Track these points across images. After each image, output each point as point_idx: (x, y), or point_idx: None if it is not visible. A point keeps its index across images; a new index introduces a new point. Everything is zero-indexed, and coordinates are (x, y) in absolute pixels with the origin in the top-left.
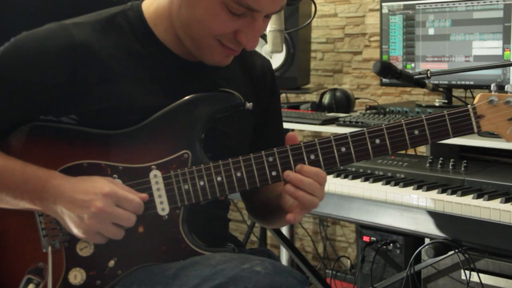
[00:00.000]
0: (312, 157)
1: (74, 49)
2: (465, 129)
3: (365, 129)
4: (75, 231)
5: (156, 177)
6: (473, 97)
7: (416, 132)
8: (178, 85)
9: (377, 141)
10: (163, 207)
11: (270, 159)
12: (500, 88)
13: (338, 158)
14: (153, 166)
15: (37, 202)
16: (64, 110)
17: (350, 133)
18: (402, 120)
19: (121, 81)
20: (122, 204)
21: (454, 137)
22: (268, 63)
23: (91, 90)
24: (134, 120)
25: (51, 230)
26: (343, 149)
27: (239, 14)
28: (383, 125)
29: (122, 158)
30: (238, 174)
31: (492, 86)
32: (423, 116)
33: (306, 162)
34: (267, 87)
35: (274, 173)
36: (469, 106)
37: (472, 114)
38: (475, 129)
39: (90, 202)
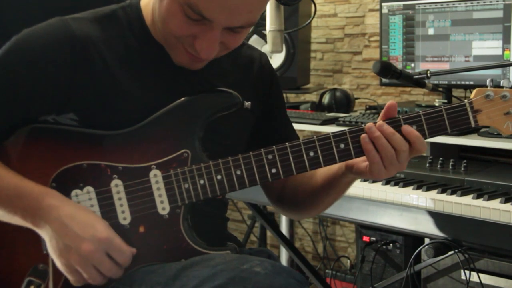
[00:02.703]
0: (311, 154)
1: (74, 42)
2: (462, 124)
3: (363, 125)
4: (56, 259)
5: (156, 177)
6: None
7: (414, 127)
8: (175, 83)
9: None
10: (163, 207)
11: (270, 156)
12: (496, 85)
13: (337, 155)
14: (153, 166)
15: (29, 220)
16: (64, 108)
17: (348, 129)
18: (400, 116)
19: (119, 79)
20: (113, 253)
21: (452, 131)
22: (265, 57)
23: (90, 87)
24: (132, 119)
25: None
26: (342, 146)
27: (195, 20)
28: (382, 121)
29: (122, 158)
30: (238, 172)
31: (488, 81)
32: (420, 111)
33: (306, 159)
34: (265, 80)
35: (273, 171)
36: (466, 100)
37: (469, 109)
38: (473, 124)
39: (81, 241)
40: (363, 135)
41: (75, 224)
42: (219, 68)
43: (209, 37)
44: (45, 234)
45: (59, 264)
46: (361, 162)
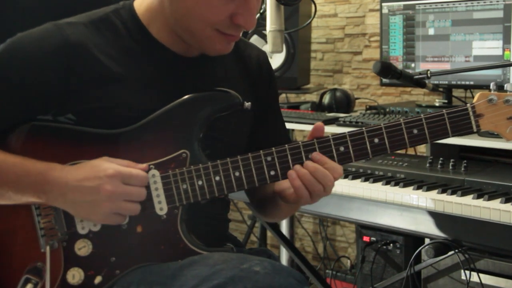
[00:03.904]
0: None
1: (69, 48)
2: (464, 128)
3: (364, 128)
4: (93, 217)
5: (154, 177)
6: (473, 97)
7: (415, 131)
8: (175, 82)
9: (376, 140)
10: (161, 207)
11: (269, 158)
12: (500, 88)
13: (336, 158)
14: (151, 166)
15: (42, 195)
16: (61, 110)
17: (348, 132)
18: (401, 120)
19: (117, 79)
20: (128, 181)
21: (453, 136)
22: (264, 55)
23: (87, 89)
24: (131, 118)
25: (49, 230)
26: (342, 149)
27: None
28: (382, 124)
29: (121, 158)
30: (237, 174)
31: (492, 85)
32: (422, 115)
33: (305, 162)
34: (263, 78)
35: (272, 173)
36: (468, 105)
37: (471, 113)
38: (474, 128)
39: (99, 187)
40: (290, 172)
41: (83, 181)
42: (221, 65)
43: (248, 7)
44: (65, 206)
45: (98, 219)
46: (287, 189)
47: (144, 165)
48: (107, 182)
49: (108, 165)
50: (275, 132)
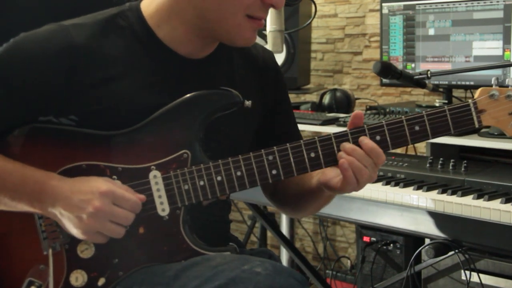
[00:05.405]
0: (312, 154)
1: (73, 50)
2: (466, 124)
3: (365, 125)
4: (75, 232)
5: (155, 178)
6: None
7: (417, 127)
8: (179, 84)
9: (378, 137)
10: (163, 208)
11: (270, 157)
12: (502, 86)
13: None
14: (152, 167)
15: (36, 204)
16: (63, 111)
17: (350, 130)
18: (403, 116)
19: (121, 81)
20: (119, 202)
21: (455, 132)
22: (270, 53)
23: (90, 91)
24: (134, 120)
25: (51, 233)
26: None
27: None
28: (383, 121)
29: (121, 159)
30: (238, 173)
31: (493, 80)
32: (423, 112)
33: (307, 160)
34: (269, 77)
35: (274, 172)
36: (470, 101)
37: (473, 109)
38: (476, 124)
39: (88, 202)
40: (342, 161)
41: (76, 193)
42: (228, 67)
43: None
44: (54, 217)
45: (80, 235)
46: (333, 178)
47: (142, 196)
48: (97, 198)
49: (104, 183)
50: (285, 130)
